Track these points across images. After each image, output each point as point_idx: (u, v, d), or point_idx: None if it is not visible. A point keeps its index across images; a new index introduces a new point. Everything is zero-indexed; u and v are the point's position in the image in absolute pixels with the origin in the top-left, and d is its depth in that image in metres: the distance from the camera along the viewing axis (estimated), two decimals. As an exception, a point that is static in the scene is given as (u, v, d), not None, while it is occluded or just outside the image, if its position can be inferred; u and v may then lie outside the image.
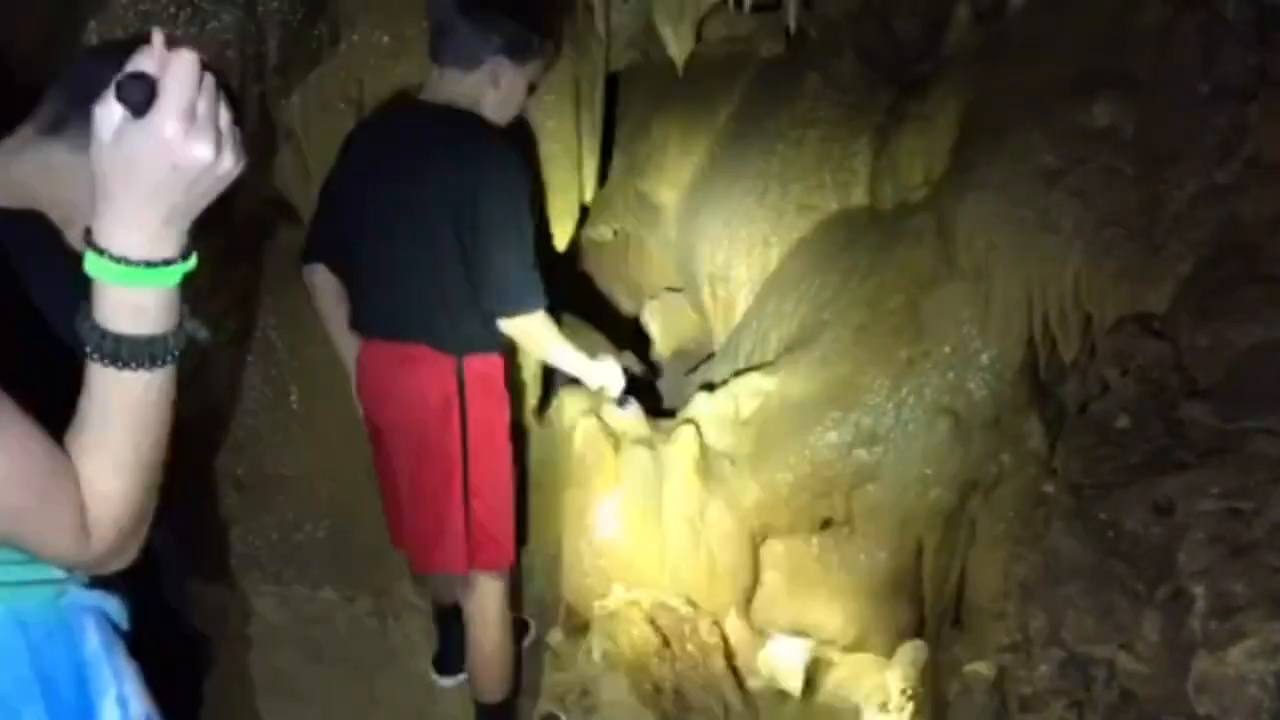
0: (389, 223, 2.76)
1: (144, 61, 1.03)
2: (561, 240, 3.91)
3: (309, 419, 3.45)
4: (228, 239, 3.29)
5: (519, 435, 3.25)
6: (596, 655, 3.33)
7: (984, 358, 3.67)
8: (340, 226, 2.87)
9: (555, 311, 2.88)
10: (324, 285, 2.95)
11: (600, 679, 3.27)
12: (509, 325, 2.76)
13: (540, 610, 3.64)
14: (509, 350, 2.94)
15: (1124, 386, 3.09)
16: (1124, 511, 2.69)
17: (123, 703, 1.28)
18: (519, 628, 3.54)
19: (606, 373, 3.13)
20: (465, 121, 2.74)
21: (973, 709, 3.38)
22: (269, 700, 3.10)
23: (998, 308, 3.61)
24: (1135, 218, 3.35)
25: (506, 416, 2.90)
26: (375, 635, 3.37)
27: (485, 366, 2.81)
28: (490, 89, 2.76)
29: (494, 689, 2.98)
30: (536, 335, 2.83)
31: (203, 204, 1.12)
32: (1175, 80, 3.47)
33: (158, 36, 1.04)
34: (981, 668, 3.37)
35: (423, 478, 2.83)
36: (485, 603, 2.91)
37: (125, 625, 1.37)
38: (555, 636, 3.57)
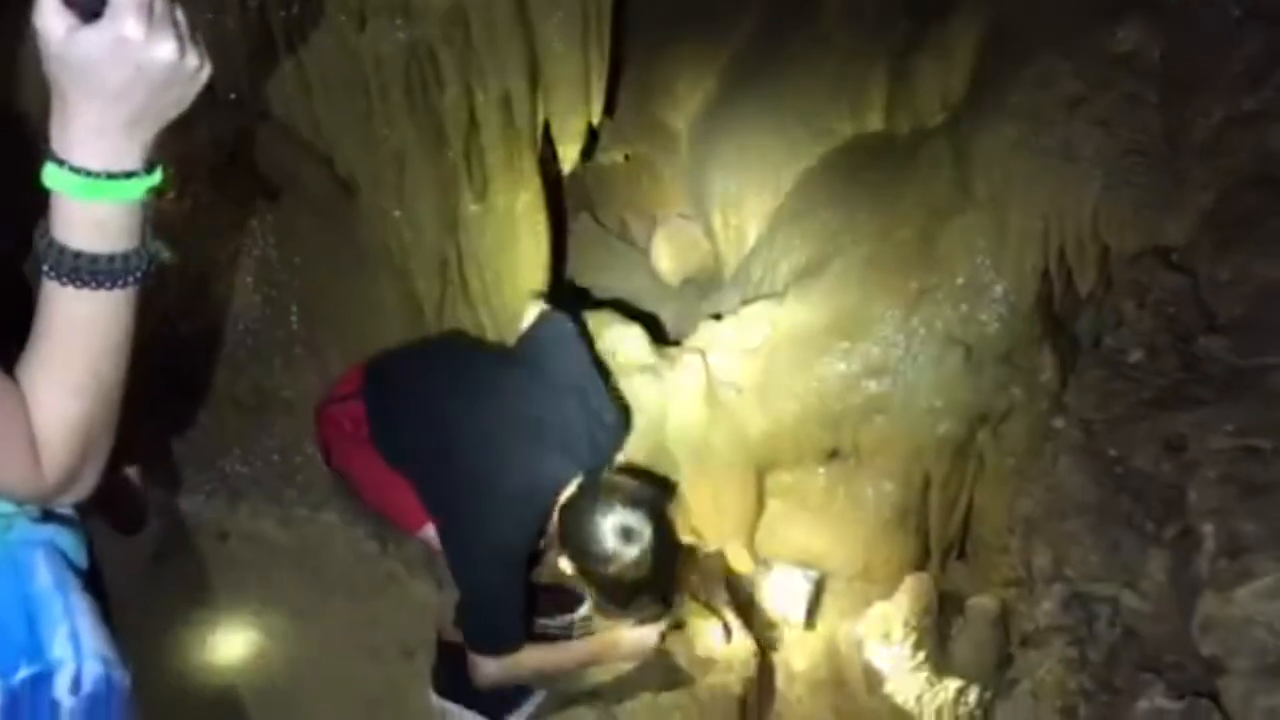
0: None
1: None
2: (568, 161, 3.83)
3: (310, 340, 3.39)
4: (225, 156, 3.22)
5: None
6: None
7: (997, 289, 3.60)
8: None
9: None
10: None
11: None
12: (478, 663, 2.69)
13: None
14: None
15: (1140, 320, 3.02)
16: (1134, 447, 2.63)
17: (75, 639, 1.22)
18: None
19: (642, 641, 2.89)
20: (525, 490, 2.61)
21: (975, 643, 3.37)
22: (269, 621, 3.09)
23: (1013, 238, 3.54)
24: (1158, 146, 3.25)
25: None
26: (375, 558, 3.34)
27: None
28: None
29: (440, 625, 2.98)
30: (515, 673, 2.75)
31: (171, 112, 1.05)
32: (1205, 2, 3.36)
33: None
34: (985, 602, 3.36)
35: None
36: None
37: (82, 562, 1.32)
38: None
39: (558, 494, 2.60)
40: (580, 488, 2.60)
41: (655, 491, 2.73)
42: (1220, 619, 2.12)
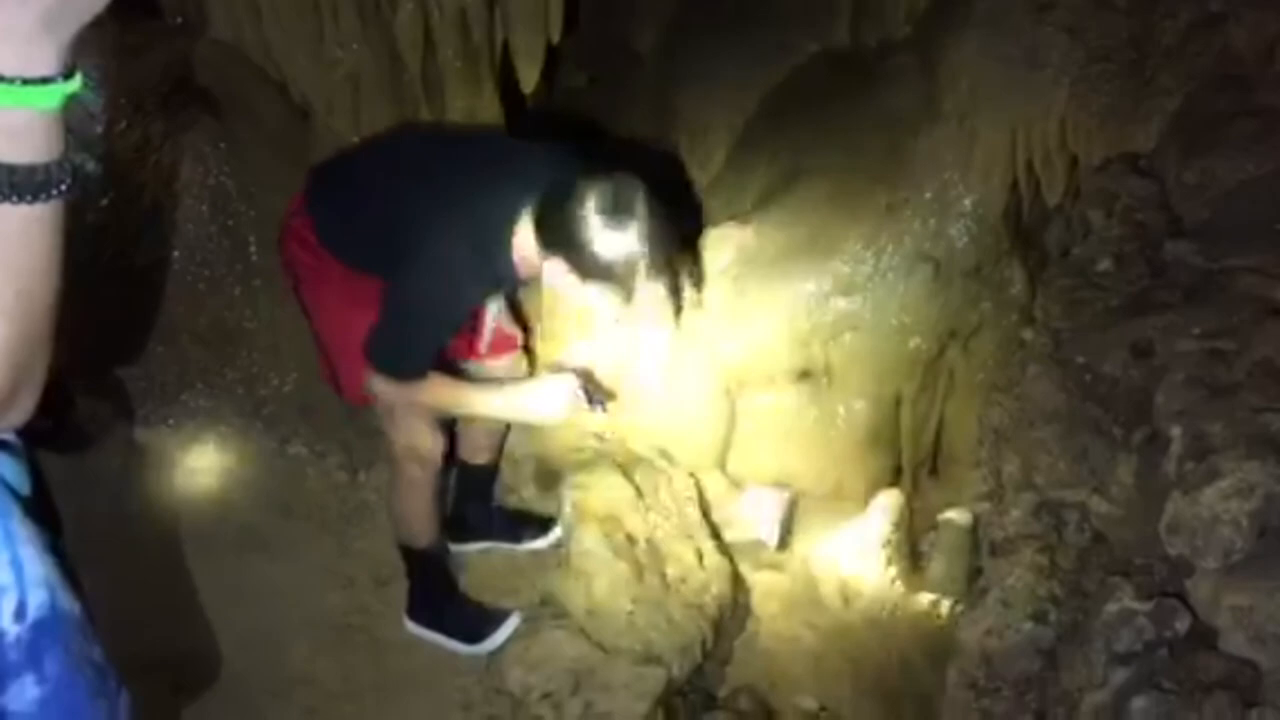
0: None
1: None
2: (529, 83, 3.75)
3: (270, 270, 3.33)
4: (174, 83, 3.14)
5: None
6: (567, 506, 3.29)
7: (966, 203, 3.58)
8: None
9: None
10: None
11: (572, 530, 3.25)
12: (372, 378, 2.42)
13: (514, 465, 3.59)
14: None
15: (1108, 228, 3.00)
16: (1102, 354, 2.63)
17: (16, 566, 1.19)
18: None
19: (550, 397, 2.54)
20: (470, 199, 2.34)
21: (948, 556, 3.39)
22: (239, 555, 3.06)
23: (981, 151, 3.51)
24: (1125, 52, 3.22)
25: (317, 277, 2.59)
26: (345, 489, 3.33)
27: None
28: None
29: (399, 530, 2.90)
30: (407, 399, 2.48)
31: (86, 15, 1.00)
32: (1173, -97, 3.30)
33: None
34: (956, 515, 3.37)
35: None
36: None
37: (24, 489, 1.28)
38: (527, 489, 3.54)
39: (514, 222, 2.32)
40: (551, 188, 2.28)
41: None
42: (1187, 519, 2.12)
